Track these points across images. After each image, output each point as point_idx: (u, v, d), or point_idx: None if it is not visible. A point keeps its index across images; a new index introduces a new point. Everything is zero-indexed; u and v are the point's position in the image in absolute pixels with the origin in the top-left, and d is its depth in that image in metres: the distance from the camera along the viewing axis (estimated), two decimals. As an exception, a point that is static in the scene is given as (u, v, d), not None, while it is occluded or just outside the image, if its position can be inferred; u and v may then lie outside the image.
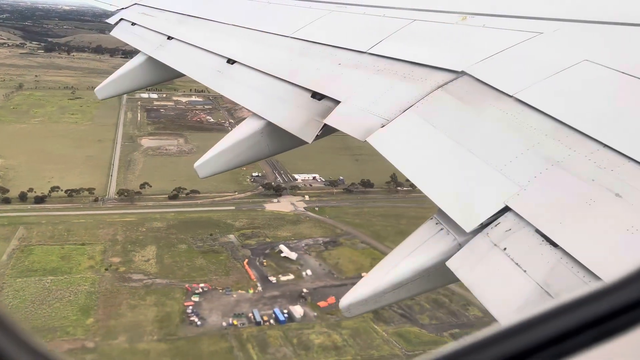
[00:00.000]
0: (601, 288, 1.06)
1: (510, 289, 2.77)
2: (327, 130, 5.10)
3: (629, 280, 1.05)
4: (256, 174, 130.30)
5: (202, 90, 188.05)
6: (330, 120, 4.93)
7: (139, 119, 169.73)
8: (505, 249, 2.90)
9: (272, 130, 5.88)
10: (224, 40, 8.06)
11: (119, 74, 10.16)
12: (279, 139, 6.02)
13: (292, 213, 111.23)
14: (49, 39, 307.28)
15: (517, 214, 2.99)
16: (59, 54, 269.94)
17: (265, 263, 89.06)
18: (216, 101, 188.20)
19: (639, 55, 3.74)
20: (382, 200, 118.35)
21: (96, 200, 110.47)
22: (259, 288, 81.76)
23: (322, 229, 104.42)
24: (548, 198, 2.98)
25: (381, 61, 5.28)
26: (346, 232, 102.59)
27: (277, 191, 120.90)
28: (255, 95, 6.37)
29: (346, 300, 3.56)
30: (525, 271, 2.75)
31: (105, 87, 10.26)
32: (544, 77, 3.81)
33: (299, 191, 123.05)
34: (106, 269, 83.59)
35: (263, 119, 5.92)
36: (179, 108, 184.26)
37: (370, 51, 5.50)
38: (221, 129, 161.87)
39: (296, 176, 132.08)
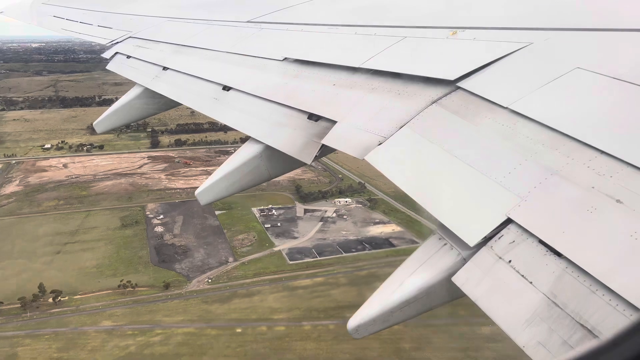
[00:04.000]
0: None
1: (517, 302, 2.74)
2: (325, 150, 5.12)
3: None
4: None
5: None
6: (328, 141, 4.95)
7: None
8: (510, 261, 2.88)
9: (271, 153, 5.90)
10: (218, 67, 8.14)
11: (116, 106, 10.21)
12: (278, 162, 6.04)
13: None
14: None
15: (519, 226, 2.97)
16: None
17: None
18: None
19: (630, 61, 3.76)
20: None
21: None
22: None
23: None
24: (549, 208, 2.97)
25: (375, 79, 5.32)
26: None
27: None
28: (252, 120, 6.40)
29: (354, 321, 3.51)
30: (531, 282, 2.73)
31: (103, 120, 10.29)
32: (537, 86, 3.82)
33: None
34: None
35: (261, 143, 5.94)
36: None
37: (363, 67, 5.54)
38: None
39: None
